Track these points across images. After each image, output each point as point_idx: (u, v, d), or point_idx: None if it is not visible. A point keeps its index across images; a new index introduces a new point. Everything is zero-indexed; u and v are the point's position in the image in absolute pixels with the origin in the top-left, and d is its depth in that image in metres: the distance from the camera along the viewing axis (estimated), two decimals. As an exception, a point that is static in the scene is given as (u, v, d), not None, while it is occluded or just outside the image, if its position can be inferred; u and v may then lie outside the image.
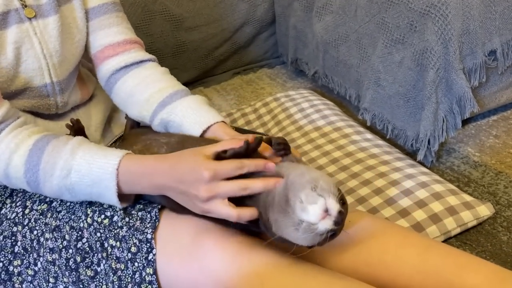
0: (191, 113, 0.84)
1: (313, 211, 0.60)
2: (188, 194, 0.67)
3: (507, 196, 1.01)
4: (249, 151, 0.65)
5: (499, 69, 1.10)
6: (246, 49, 1.77)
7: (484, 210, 0.95)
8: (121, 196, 0.72)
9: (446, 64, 1.02)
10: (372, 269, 0.72)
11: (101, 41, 0.91)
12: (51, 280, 0.76)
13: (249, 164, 0.66)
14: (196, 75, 1.69)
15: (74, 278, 0.74)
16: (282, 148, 0.71)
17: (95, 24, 0.90)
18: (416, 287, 0.70)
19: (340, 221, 0.60)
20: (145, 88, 0.89)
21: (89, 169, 0.70)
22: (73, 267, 0.74)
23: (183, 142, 0.78)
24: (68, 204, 0.78)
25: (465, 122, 1.28)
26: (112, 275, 0.72)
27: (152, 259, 0.71)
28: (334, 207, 0.60)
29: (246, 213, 0.65)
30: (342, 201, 0.63)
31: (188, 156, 0.67)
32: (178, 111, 0.84)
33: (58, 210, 0.77)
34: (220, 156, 0.66)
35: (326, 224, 0.60)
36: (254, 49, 1.79)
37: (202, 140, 0.79)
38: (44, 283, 0.76)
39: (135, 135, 0.89)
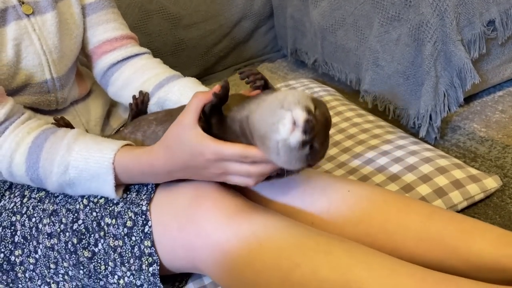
0: (189, 91, 0.85)
1: (282, 128, 0.58)
2: (198, 173, 0.67)
3: (515, 168, 0.99)
4: (221, 99, 0.64)
5: (499, 39, 1.07)
6: (246, 44, 1.77)
7: (491, 183, 0.92)
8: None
9: (443, 37, 1.00)
10: (374, 239, 0.70)
11: (99, 36, 0.92)
12: (52, 266, 0.76)
13: (246, 151, 0.63)
14: (196, 72, 1.69)
15: (74, 260, 0.74)
16: (247, 75, 0.69)
17: (93, 19, 0.91)
18: (420, 255, 0.69)
19: (308, 129, 0.57)
20: (142, 75, 0.90)
21: (86, 164, 0.70)
22: (72, 250, 0.74)
23: (171, 112, 0.78)
24: None
25: (470, 99, 1.26)
26: (112, 253, 0.72)
27: (149, 232, 0.70)
28: (300, 116, 0.57)
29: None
30: (315, 106, 0.60)
31: (178, 136, 0.65)
32: (175, 90, 0.86)
33: (56, 195, 0.77)
34: (203, 116, 0.65)
35: (296, 136, 0.57)
36: (254, 43, 1.78)
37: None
38: (45, 270, 0.76)
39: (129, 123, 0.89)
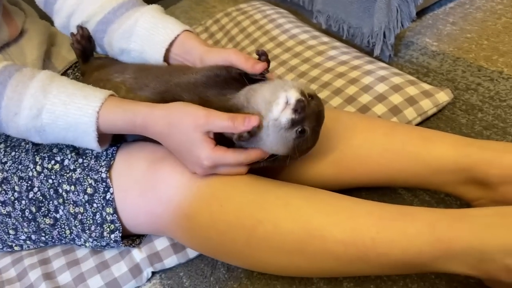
0: (147, 36, 0.76)
1: (275, 107, 0.59)
2: (183, 160, 0.65)
3: (465, 81, 1.01)
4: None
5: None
6: (191, -34, 1.65)
7: (443, 96, 0.94)
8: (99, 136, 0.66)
9: (395, -52, 0.97)
10: (341, 154, 0.72)
11: None
12: (11, 232, 0.73)
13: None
14: (141, 1, 1.58)
15: (34, 227, 0.72)
16: (265, 58, 0.67)
17: None
18: (384, 165, 0.71)
19: (298, 109, 0.58)
20: (86, 6, 0.79)
21: (65, 111, 0.63)
22: (30, 218, 0.72)
23: (141, 78, 0.72)
24: (13, 154, 0.73)
25: (422, 13, 1.25)
26: (73, 220, 0.70)
27: (111, 198, 0.68)
28: (292, 95, 0.59)
29: (254, 158, 0.63)
30: (311, 96, 0.62)
31: (186, 129, 0.61)
32: (135, 38, 0.77)
33: (3, 161, 0.72)
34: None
35: (286, 114, 0.58)
36: (200, -35, 1.67)
37: (161, 74, 0.72)
38: (5, 236, 0.74)
39: (88, 73, 0.82)
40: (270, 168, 0.74)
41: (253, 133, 0.60)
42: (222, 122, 0.60)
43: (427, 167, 0.69)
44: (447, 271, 0.56)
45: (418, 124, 0.93)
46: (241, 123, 0.59)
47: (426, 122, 0.94)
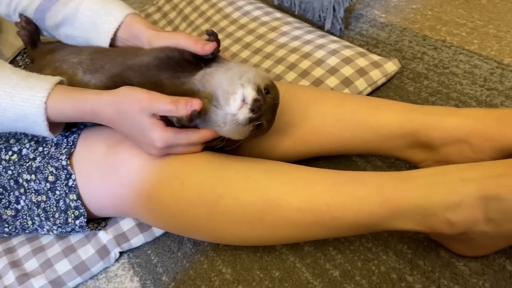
0: (90, 24, 0.76)
1: (232, 102, 0.60)
2: (138, 143, 0.66)
3: (412, 50, 1.06)
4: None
5: None
6: None
7: (391, 66, 0.99)
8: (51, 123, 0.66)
9: None
10: (296, 127, 0.75)
11: None
12: None
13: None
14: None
15: None
16: (215, 38, 0.68)
17: None
18: (337, 134, 0.75)
19: (255, 109, 0.60)
20: None
21: (12, 103, 0.63)
22: None
23: (97, 60, 0.71)
24: None
25: (370, -15, 1.29)
26: (36, 209, 0.70)
27: (73, 185, 0.69)
28: (249, 94, 0.60)
29: (206, 138, 0.65)
30: (267, 91, 0.63)
31: (132, 113, 0.61)
32: (78, 25, 0.76)
33: None
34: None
35: (243, 113, 0.60)
36: None
37: (115, 56, 0.72)
38: None
39: (40, 57, 0.81)
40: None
41: (193, 117, 0.60)
42: (165, 106, 0.60)
43: (376, 134, 0.73)
44: (397, 228, 0.61)
45: (369, 94, 0.97)
46: (184, 106, 0.60)
47: (376, 91, 0.98)
